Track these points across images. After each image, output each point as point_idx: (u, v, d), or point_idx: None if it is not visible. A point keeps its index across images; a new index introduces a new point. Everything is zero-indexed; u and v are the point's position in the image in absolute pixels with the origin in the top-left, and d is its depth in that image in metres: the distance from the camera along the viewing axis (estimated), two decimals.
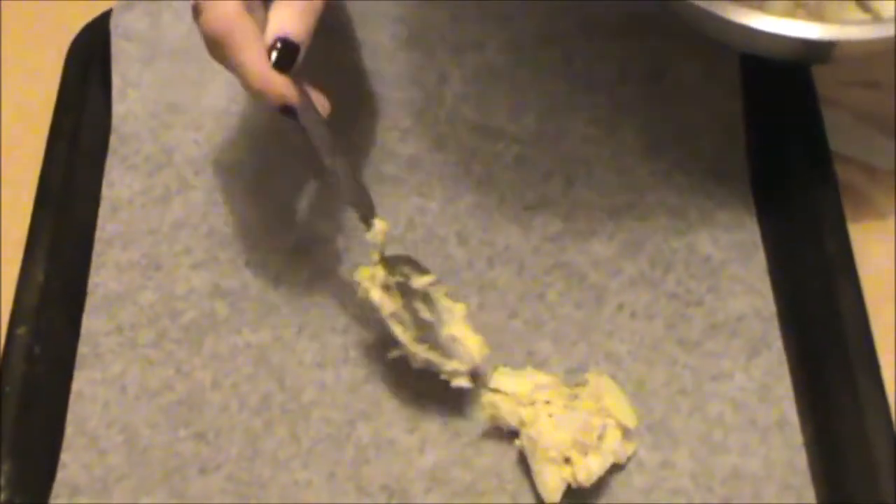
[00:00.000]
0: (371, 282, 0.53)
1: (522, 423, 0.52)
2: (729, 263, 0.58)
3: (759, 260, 0.58)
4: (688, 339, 0.56)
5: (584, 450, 0.51)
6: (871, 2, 0.59)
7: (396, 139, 0.63)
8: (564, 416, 0.51)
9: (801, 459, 0.52)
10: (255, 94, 0.51)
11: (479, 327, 0.55)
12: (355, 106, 0.64)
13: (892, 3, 0.57)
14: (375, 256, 0.54)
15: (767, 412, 0.54)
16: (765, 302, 0.57)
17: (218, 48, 0.51)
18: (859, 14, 0.59)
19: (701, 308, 0.57)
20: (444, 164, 0.62)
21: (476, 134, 0.63)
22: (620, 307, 0.57)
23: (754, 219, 0.59)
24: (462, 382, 0.53)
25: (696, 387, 0.54)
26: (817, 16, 0.57)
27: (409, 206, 0.61)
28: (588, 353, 0.56)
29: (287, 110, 0.51)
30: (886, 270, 0.58)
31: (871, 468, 0.51)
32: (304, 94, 0.52)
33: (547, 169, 0.62)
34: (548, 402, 0.52)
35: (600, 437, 0.51)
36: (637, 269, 0.58)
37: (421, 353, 0.53)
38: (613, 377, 0.54)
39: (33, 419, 0.55)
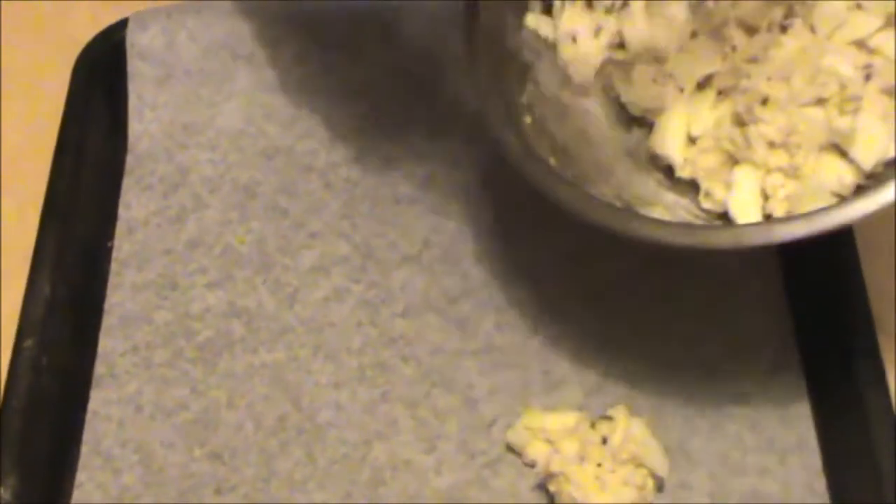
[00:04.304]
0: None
1: (553, 469, 0.51)
2: (747, 280, 0.58)
3: (777, 277, 0.57)
4: (706, 358, 0.55)
5: None
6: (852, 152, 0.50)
7: (411, 159, 0.63)
8: (615, 484, 0.51)
9: (820, 483, 0.52)
10: None
11: (498, 346, 0.55)
12: (370, 127, 0.64)
13: (872, 154, 0.50)
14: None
15: (786, 434, 0.53)
16: (783, 320, 0.56)
17: None
18: (839, 163, 0.51)
19: (719, 326, 0.56)
20: (460, 183, 0.62)
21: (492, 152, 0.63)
22: (638, 326, 0.57)
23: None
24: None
25: (714, 407, 0.54)
26: (793, 176, 0.52)
27: (426, 224, 0.61)
28: (605, 373, 0.55)
29: None
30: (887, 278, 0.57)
31: (876, 483, 0.50)
32: None
33: None
34: (599, 465, 0.51)
35: None
36: (655, 287, 0.58)
37: None
38: (631, 399, 0.54)
39: (39, 432, 0.55)
